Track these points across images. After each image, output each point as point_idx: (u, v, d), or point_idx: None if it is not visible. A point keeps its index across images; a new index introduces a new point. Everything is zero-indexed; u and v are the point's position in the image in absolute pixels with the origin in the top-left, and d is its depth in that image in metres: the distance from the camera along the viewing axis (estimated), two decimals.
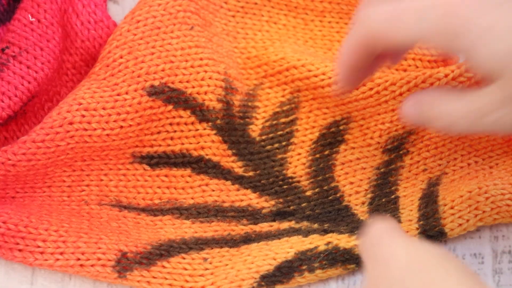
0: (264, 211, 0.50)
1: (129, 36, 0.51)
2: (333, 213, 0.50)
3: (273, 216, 0.50)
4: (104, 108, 0.49)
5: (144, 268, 0.48)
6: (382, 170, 0.50)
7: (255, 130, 0.52)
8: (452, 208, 0.48)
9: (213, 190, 0.51)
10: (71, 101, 0.49)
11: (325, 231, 0.49)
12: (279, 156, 0.51)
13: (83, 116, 0.49)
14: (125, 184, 0.51)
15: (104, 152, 0.51)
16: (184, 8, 0.52)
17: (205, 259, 0.48)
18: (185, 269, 0.48)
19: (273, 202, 0.50)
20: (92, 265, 0.48)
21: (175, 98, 0.51)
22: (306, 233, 0.49)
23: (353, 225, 0.49)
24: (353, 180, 0.51)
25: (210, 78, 0.51)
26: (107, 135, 0.49)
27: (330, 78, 0.50)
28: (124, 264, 0.48)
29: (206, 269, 0.48)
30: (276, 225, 0.50)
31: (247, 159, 0.51)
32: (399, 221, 0.48)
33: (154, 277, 0.48)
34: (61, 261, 0.48)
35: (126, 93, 0.50)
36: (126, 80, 0.50)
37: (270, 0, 0.54)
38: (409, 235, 0.48)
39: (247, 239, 0.49)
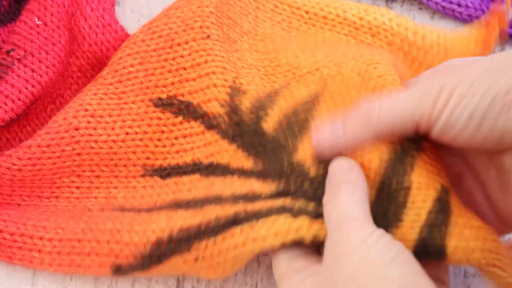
0: (263, 195, 0.46)
1: (143, 47, 0.51)
2: None
3: (270, 197, 0.46)
4: (110, 116, 0.50)
5: (141, 271, 0.47)
6: (399, 148, 0.43)
7: (269, 122, 0.49)
8: (462, 231, 0.41)
9: (217, 186, 0.49)
10: (78, 106, 0.49)
11: (318, 215, 0.43)
12: (290, 142, 0.47)
13: (89, 122, 0.49)
14: (133, 195, 0.50)
15: (112, 162, 0.50)
16: (203, 19, 0.51)
17: (196, 259, 0.46)
18: (180, 266, 0.46)
19: (274, 185, 0.46)
20: (93, 274, 0.48)
21: (185, 109, 0.50)
22: (297, 213, 0.43)
23: None
24: (362, 160, 0.44)
25: (214, 85, 0.50)
26: (113, 141, 0.50)
27: (360, 67, 0.47)
28: (121, 273, 0.47)
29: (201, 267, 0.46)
30: (270, 203, 0.45)
31: (258, 152, 0.48)
32: (400, 218, 0.42)
33: (153, 272, 0.47)
34: (61, 271, 0.48)
35: (133, 102, 0.50)
36: (134, 90, 0.50)
37: (296, 37, 0.54)
38: (403, 244, 0.41)
39: (234, 221, 0.45)
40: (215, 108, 0.50)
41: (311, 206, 0.44)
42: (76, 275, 0.49)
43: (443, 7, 0.54)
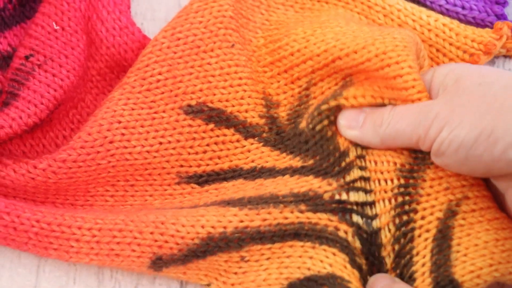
0: (325, 195, 0.48)
1: (169, 54, 0.51)
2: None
3: (334, 204, 0.48)
4: (142, 126, 0.50)
5: (180, 265, 0.48)
6: (404, 173, 0.48)
7: (303, 121, 0.51)
8: (465, 255, 0.45)
9: (268, 186, 0.50)
10: (110, 118, 0.49)
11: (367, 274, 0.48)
12: (330, 133, 0.50)
13: (123, 134, 0.49)
14: (171, 201, 0.51)
15: (147, 171, 0.51)
16: (226, 25, 0.52)
17: (242, 258, 0.48)
18: (221, 265, 0.48)
19: (335, 185, 0.49)
20: (128, 265, 0.48)
21: (216, 117, 0.51)
22: (353, 263, 0.47)
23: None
24: (382, 169, 0.49)
25: (249, 97, 0.52)
26: (147, 151, 0.50)
27: (376, 63, 0.48)
28: (160, 265, 0.48)
29: (241, 267, 0.48)
30: (335, 221, 0.48)
31: (303, 151, 0.51)
32: (413, 278, 0.46)
33: (188, 269, 0.48)
34: (96, 261, 0.48)
35: (164, 111, 0.51)
36: (163, 98, 0.51)
37: (310, 16, 0.55)
38: None
39: (297, 234, 0.47)
40: (254, 118, 0.51)
41: (364, 264, 0.47)
42: (82, 275, 0.50)
43: (447, 9, 0.55)
